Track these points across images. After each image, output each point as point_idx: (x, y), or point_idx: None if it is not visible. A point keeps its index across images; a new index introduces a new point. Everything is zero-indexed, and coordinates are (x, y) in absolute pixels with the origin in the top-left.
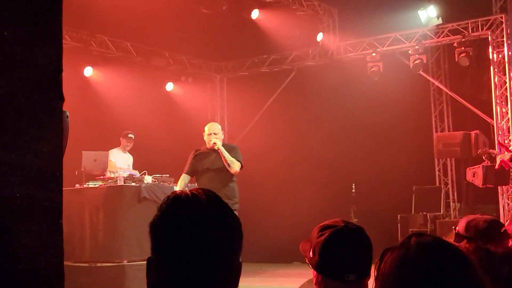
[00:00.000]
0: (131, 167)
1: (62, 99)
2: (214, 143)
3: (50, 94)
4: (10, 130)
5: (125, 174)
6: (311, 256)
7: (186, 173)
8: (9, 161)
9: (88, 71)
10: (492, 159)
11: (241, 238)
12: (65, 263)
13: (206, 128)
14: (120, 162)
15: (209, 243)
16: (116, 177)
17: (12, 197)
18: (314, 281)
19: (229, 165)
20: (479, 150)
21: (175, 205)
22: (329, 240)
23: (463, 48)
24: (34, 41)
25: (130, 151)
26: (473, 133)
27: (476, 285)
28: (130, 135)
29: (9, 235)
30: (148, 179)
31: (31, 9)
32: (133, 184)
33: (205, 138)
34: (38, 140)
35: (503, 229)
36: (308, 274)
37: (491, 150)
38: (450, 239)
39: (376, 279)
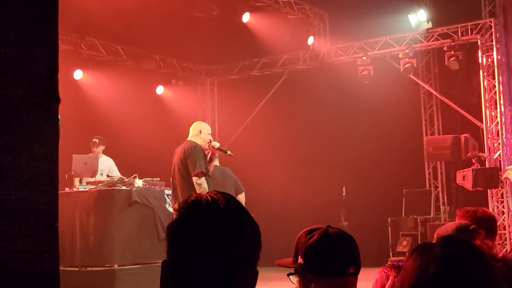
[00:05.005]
0: (106, 171)
1: (58, 100)
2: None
3: (45, 96)
4: (5, 132)
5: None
6: (301, 262)
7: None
8: (3, 163)
9: (78, 74)
10: (482, 162)
11: (259, 247)
12: None
13: (206, 126)
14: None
15: (226, 249)
16: (107, 181)
17: (7, 200)
18: None
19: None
20: (469, 154)
21: (194, 209)
22: (323, 237)
23: (452, 52)
24: (29, 42)
25: (108, 154)
26: (462, 136)
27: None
28: (93, 140)
29: (3, 239)
30: (138, 182)
31: (26, 11)
32: (124, 187)
33: (205, 137)
34: (33, 142)
35: (472, 227)
36: None
37: (480, 153)
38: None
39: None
